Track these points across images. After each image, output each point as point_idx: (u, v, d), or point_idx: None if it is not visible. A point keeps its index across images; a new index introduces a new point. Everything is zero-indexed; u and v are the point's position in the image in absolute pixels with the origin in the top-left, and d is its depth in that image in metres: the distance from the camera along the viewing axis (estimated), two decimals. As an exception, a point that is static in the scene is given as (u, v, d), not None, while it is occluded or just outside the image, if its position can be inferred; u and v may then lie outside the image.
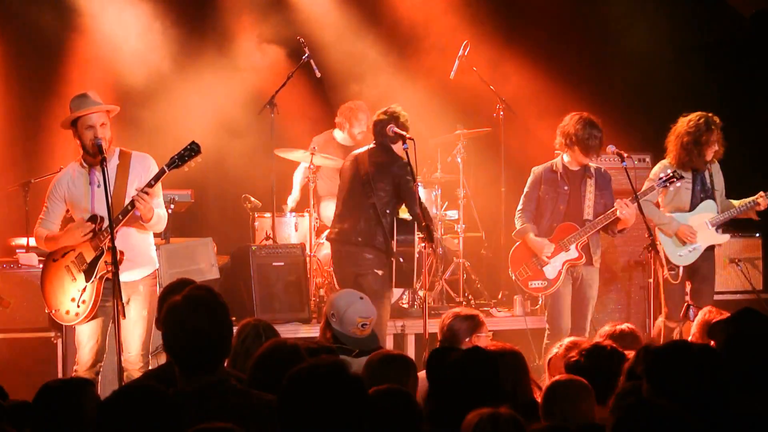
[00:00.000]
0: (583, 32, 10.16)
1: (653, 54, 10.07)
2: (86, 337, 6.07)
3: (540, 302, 8.27)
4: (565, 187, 7.33)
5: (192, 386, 3.49)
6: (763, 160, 9.74)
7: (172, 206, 7.84)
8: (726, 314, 5.41)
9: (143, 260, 6.16)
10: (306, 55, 8.68)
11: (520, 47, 9.80)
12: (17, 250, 8.13)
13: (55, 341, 7.48)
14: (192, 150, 5.82)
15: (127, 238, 6.03)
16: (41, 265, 7.55)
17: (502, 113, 9.23)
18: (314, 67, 8.75)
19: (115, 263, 5.59)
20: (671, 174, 7.30)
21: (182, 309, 3.54)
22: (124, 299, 5.74)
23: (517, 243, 7.50)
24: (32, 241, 8.02)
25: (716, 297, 7.74)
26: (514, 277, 7.52)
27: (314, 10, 9.78)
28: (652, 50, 10.06)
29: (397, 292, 8.60)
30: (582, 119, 7.26)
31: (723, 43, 10.18)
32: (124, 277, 5.79)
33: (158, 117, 9.22)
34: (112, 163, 5.99)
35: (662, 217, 7.56)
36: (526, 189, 7.51)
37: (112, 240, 5.65)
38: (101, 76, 9.18)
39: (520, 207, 7.50)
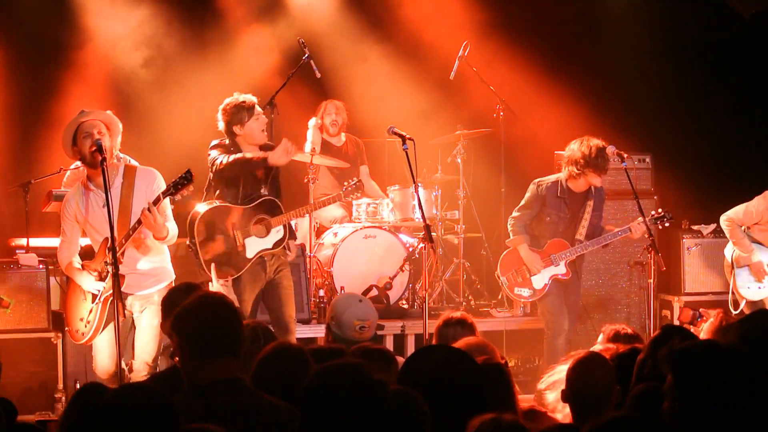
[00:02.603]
0: (582, 33, 10.15)
1: (653, 54, 10.07)
2: (103, 343, 6.11)
3: (524, 307, 8.44)
4: (567, 212, 7.47)
5: (205, 380, 3.53)
6: (763, 160, 9.74)
7: (172, 207, 7.83)
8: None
9: (161, 276, 6.29)
10: (306, 55, 8.68)
11: (520, 48, 9.79)
12: (17, 251, 8.11)
13: (55, 341, 7.48)
14: (186, 179, 5.91)
15: (142, 262, 6.17)
16: (41, 267, 7.61)
17: (501, 113, 9.24)
18: (314, 67, 8.75)
19: (115, 263, 5.62)
20: (663, 214, 7.43)
21: (201, 298, 3.73)
22: (139, 310, 6.05)
23: (509, 248, 7.64)
24: (32, 242, 8.03)
25: (712, 298, 7.78)
26: (501, 281, 7.69)
27: (314, 11, 9.77)
28: (652, 50, 10.06)
29: (394, 294, 8.62)
30: (590, 144, 7.34)
31: (722, 44, 10.17)
32: (140, 291, 6.08)
33: (158, 118, 9.22)
34: (117, 181, 6.07)
35: (746, 245, 7.62)
36: (526, 200, 7.60)
37: (112, 240, 5.66)
38: (101, 77, 9.18)
39: (516, 214, 7.61)
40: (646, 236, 7.10)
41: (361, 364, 3.07)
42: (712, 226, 8.85)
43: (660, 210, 7.50)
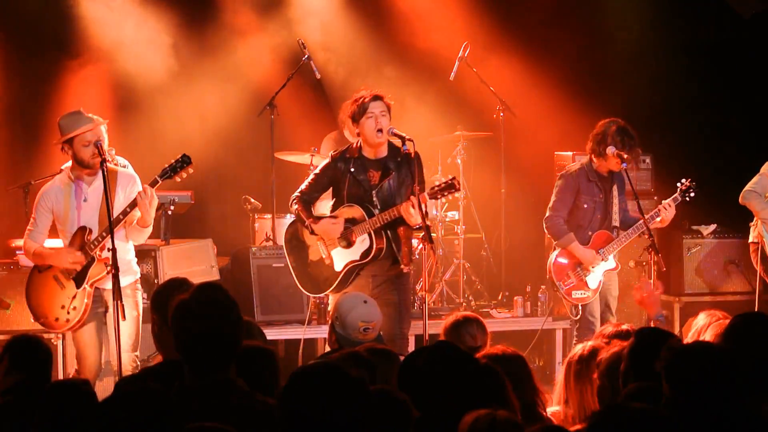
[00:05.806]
0: (582, 33, 10.15)
1: (653, 55, 10.07)
2: (88, 344, 6.26)
3: (579, 312, 8.11)
4: (600, 195, 7.22)
5: (197, 384, 3.49)
6: (764, 161, 9.72)
7: (172, 207, 7.84)
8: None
9: (128, 269, 6.30)
10: (306, 56, 8.68)
11: (520, 48, 9.79)
12: (17, 252, 8.11)
13: (55, 342, 7.47)
14: (183, 162, 6.08)
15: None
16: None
17: (502, 114, 9.23)
18: (314, 68, 8.74)
19: (115, 265, 5.78)
20: (689, 186, 7.23)
21: (192, 308, 3.53)
22: (112, 303, 5.95)
23: (557, 251, 7.26)
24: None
25: (716, 298, 7.77)
26: (559, 287, 7.25)
27: (314, 11, 9.77)
28: (652, 51, 10.06)
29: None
30: (618, 127, 7.17)
31: (723, 44, 10.17)
32: (109, 284, 5.97)
33: (158, 119, 9.23)
34: (98, 179, 6.14)
35: None
36: (558, 195, 7.26)
37: (112, 241, 5.80)
38: (101, 77, 9.19)
39: (551, 214, 7.23)
40: (646, 236, 7.08)
41: (338, 364, 3.07)
42: (712, 227, 8.87)
43: (685, 181, 7.21)
